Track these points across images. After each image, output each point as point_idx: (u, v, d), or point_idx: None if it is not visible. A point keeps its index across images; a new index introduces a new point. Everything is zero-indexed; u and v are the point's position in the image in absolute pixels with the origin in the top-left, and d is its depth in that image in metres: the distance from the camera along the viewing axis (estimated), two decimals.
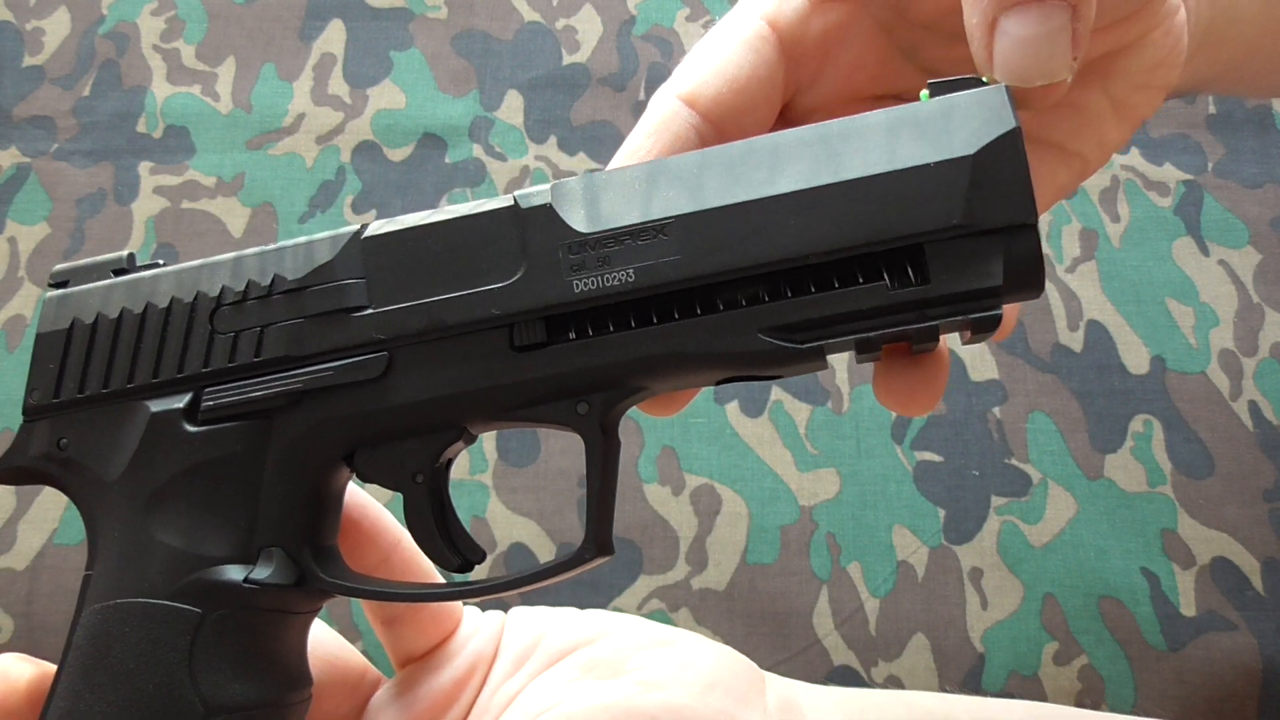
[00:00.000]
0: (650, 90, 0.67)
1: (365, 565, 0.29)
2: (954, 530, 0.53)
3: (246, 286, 0.27)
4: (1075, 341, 0.58)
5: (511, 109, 0.66)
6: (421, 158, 0.64)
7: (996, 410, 0.56)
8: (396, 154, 0.64)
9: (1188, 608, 0.51)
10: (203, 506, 0.27)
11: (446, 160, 0.64)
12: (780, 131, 0.25)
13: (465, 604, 0.32)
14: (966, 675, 0.50)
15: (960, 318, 0.24)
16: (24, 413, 0.29)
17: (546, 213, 0.26)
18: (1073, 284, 0.60)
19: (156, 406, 0.27)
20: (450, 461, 0.29)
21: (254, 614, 0.26)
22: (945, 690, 0.50)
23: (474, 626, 0.32)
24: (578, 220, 0.25)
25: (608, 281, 0.25)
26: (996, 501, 0.54)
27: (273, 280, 0.27)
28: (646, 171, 0.26)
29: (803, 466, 0.55)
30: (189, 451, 0.27)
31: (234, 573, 0.26)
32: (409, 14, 0.69)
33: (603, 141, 0.64)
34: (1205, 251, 0.60)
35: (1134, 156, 0.63)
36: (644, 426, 0.56)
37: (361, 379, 0.26)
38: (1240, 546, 0.53)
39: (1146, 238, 0.61)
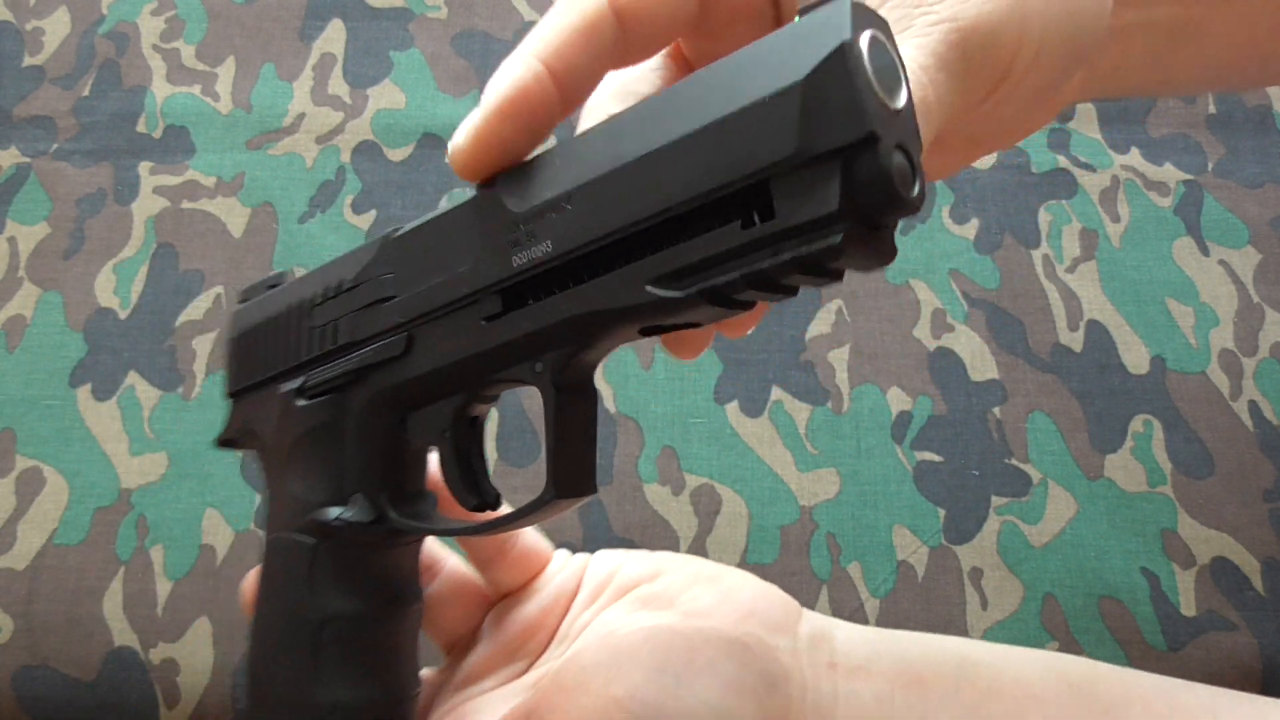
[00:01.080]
0: None
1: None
2: (954, 530, 0.53)
3: (325, 289, 0.34)
4: (1075, 341, 0.58)
5: None
6: (421, 158, 0.64)
7: (996, 410, 0.56)
8: (396, 154, 0.64)
9: (1188, 608, 0.51)
10: (312, 462, 0.33)
11: (446, 160, 0.64)
12: (664, 90, 0.26)
13: (556, 546, 0.38)
14: None
15: (805, 250, 0.23)
16: (227, 397, 0.38)
17: (494, 198, 0.29)
18: (1073, 284, 0.60)
19: (284, 388, 0.34)
20: (476, 419, 0.33)
21: (352, 544, 0.32)
22: None
23: (560, 565, 0.36)
24: (513, 202, 0.28)
25: (534, 254, 0.27)
26: (996, 501, 0.54)
27: (339, 282, 0.33)
28: (563, 148, 0.28)
29: (803, 466, 0.55)
30: (300, 421, 0.33)
31: (331, 513, 0.32)
32: (409, 14, 0.69)
33: None
34: (1205, 251, 0.60)
35: (1134, 156, 0.63)
36: (644, 426, 0.56)
37: (392, 356, 0.31)
38: (1240, 546, 0.53)
39: (1146, 238, 0.61)
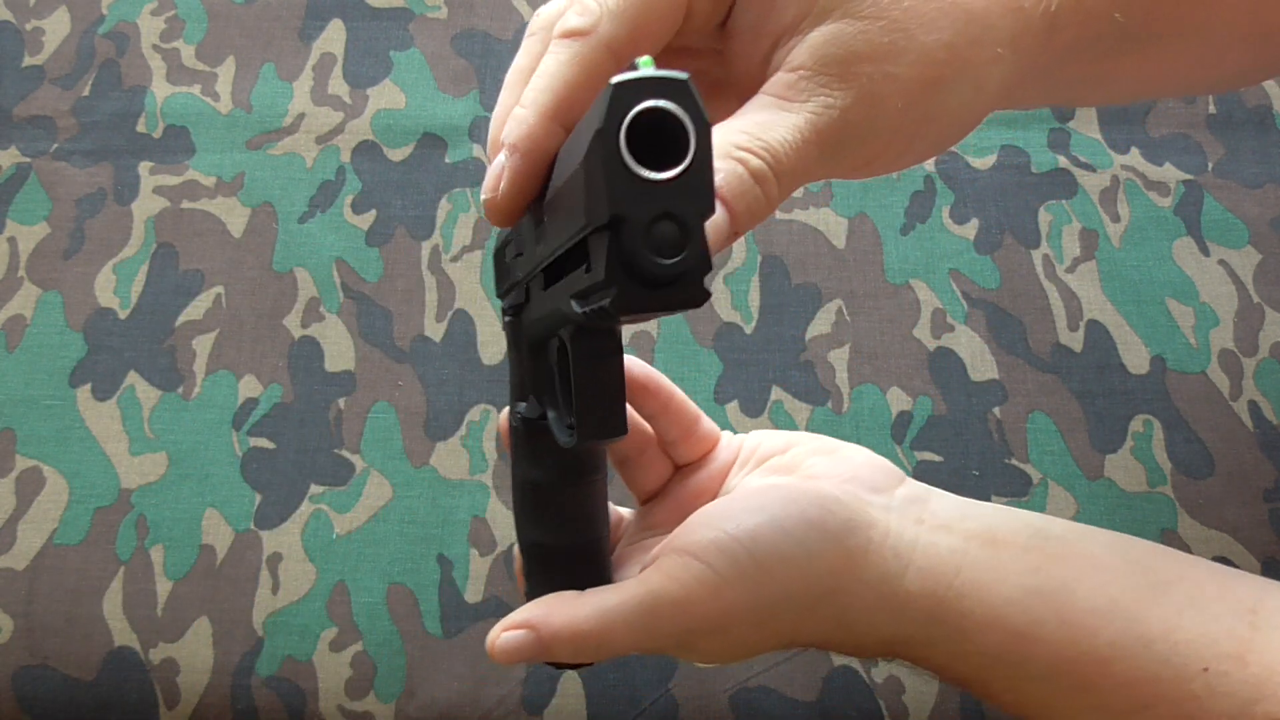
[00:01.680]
0: None
1: (648, 411, 0.43)
2: None
3: (509, 234, 0.39)
4: (1075, 341, 0.58)
5: None
6: (421, 157, 0.64)
7: (996, 410, 0.56)
8: (396, 154, 0.64)
9: None
10: (513, 364, 0.40)
11: (446, 160, 0.64)
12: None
13: (722, 429, 0.46)
14: None
15: (601, 304, 0.27)
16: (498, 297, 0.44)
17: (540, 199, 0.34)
18: (1073, 284, 0.60)
19: (503, 304, 0.41)
20: None
21: (538, 430, 0.38)
22: (943, 690, 0.50)
23: (726, 442, 0.44)
24: (535, 207, 0.33)
25: (544, 251, 0.32)
26: (997, 501, 0.54)
27: (508, 233, 0.39)
28: (558, 166, 0.32)
29: None
30: (508, 334, 0.40)
31: (519, 405, 0.39)
32: (409, 14, 0.69)
33: None
34: (1205, 251, 0.60)
35: (1134, 156, 0.64)
36: None
37: (522, 302, 0.38)
38: (1240, 547, 0.53)
39: (1146, 238, 0.61)
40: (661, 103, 0.25)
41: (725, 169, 0.30)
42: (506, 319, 0.40)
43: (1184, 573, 0.36)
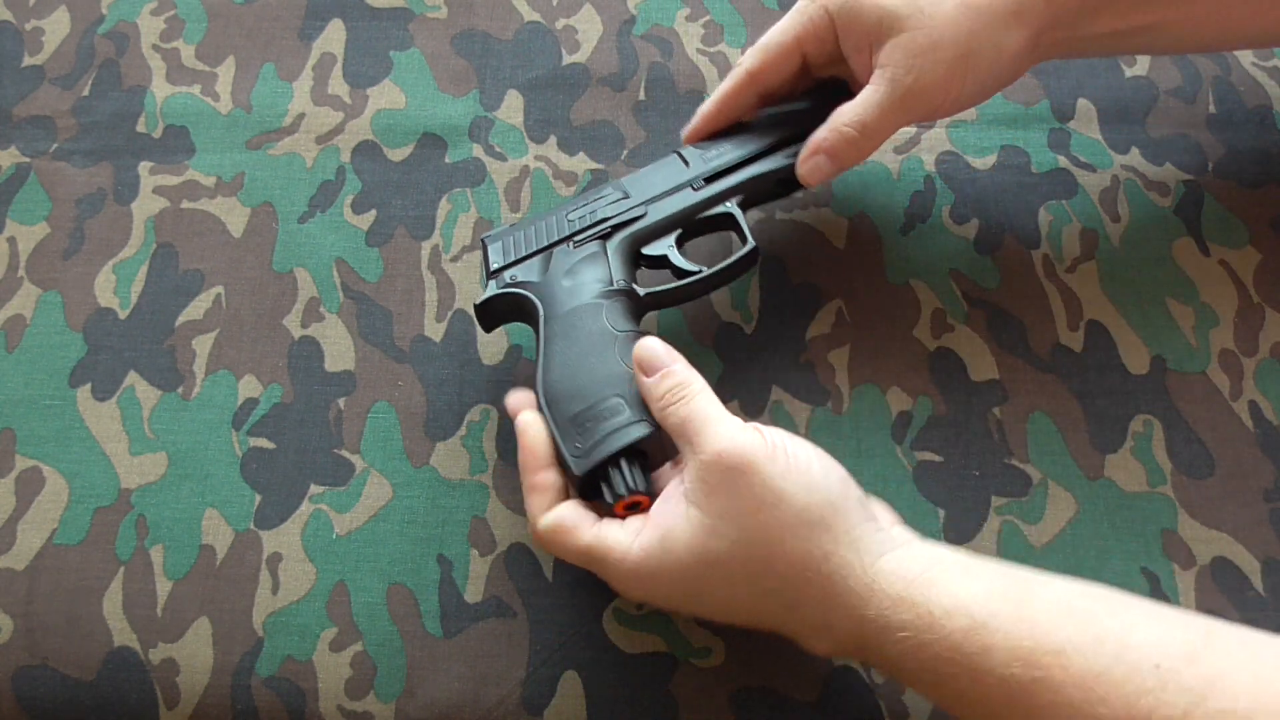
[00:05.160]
0: (650, 90, 0.67)
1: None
2: (954, 530, 0.53)
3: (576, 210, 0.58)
4: (1075, 341, 0.58)
5: (511, 109, 0.66)
6: (421, 158, 0.64)
7: (996, 410, 0.56)
8: (396, 154, 0.64)
9: (1189, 607, 0.51)
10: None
11: (446, 160, 0.64)
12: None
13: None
14: None
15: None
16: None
17: (684, 153, 0.57)
18: (1073, 284, 0.60)
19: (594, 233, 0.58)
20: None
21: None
22: None
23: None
24: (692, 154, 0.57)
25: (718, 161, 0.56)
26: (996, 501, 0.54)
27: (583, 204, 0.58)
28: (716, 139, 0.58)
29: None
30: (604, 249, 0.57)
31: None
32: (409, 14, 0.69)
33: (602, 141, 0.64)
34: (1205, 251, 0.60)
35: (1134, 156, 0.64)
36: None
37: (636, 217, 0.57)
38: (1240, 546, 0.53)
39: (1146, 238, 0.61)
40: None
41: (833, 137, 0.52)
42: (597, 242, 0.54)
43: (1144, 603, 0.40)
